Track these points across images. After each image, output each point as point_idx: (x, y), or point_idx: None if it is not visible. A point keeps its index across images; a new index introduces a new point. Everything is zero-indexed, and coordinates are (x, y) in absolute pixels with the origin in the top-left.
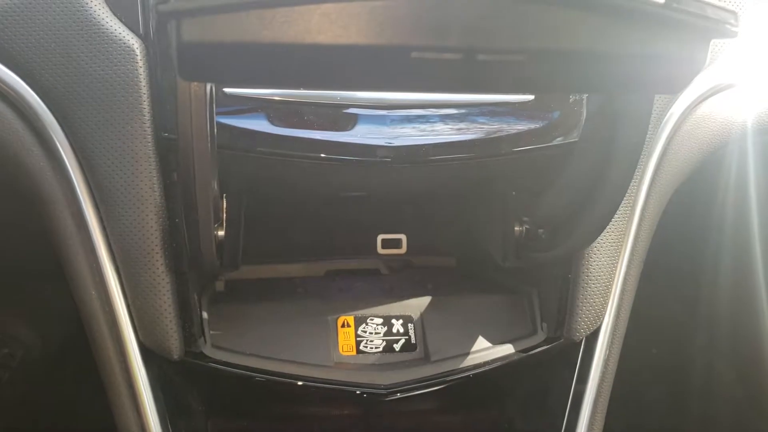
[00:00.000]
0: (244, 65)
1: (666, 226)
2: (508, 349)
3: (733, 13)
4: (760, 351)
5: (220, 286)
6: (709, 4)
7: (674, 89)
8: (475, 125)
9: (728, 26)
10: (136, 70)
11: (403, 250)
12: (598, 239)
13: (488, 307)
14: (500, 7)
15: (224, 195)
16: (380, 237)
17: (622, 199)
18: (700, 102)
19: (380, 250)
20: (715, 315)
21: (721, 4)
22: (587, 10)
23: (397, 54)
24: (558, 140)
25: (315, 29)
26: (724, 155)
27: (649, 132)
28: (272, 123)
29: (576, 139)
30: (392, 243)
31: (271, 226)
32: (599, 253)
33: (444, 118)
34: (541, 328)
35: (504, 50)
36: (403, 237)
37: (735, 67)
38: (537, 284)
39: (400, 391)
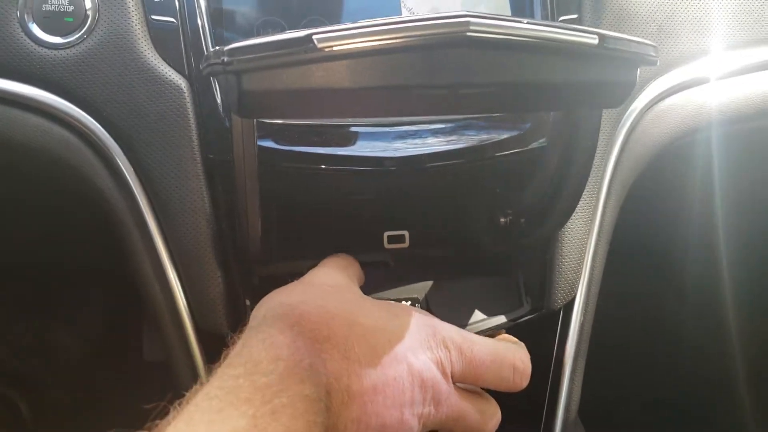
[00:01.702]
0: (291, 104)
1: (637, 209)
2: (499, 320)
3: (653, 46)
4: (720, 316)
5: (255, 280)
6: (632, 40)
7: (614, 105)
8: (463, 136)
9: (649, 57)
10: (185, 105)
11: (407, 244)
12: (569, 225)
13: (482, 287)
14: (474, 55)
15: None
16: (386, 234)
17: (583, 191)
18: (661, 99)
19: (386, 245)
20: (683, 285)
21: (643, 39)
22: (540, 52)
23: (401, 91)
24: (531, 145)
25: (343, 77)
26: (691, 144)
27: (610, 127)
28: (297, 143)
29: (545, 144)
30: (396, 238)
31: (295, 229)
32: (570, 236)
33: (436, 132)
34: (526, 302)
35: (479, 85)
36: (405, 233)
37: (698, 67)
38: (522, 266)
39: None
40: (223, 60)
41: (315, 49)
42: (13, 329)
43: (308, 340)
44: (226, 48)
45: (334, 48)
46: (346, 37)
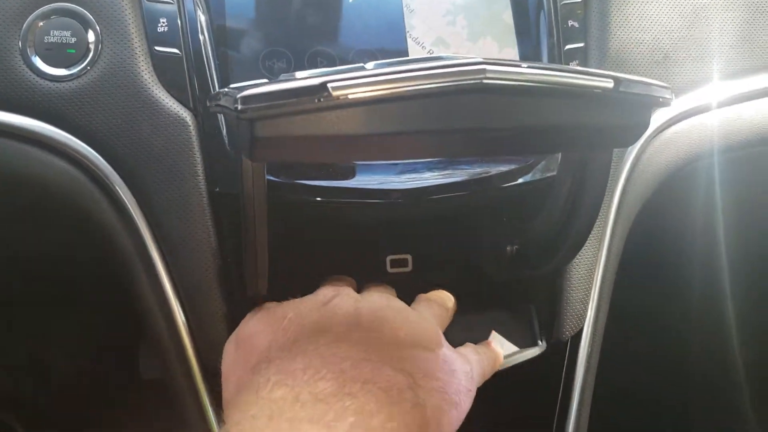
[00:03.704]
0: (305, 149)
1: (640, 232)
2: (520, 357)
3: (667, 88)
4: (724, 337)
5: None
6: (647, 83)
7: (627, 144)
8: (468, 169)
9: (663, 99)
10: (190, 138)
11: (409, 268)
12: (576, 256)
13: (491, 321)
14: (489, 101)
15: None
16: (389, 258)
17: (593, 226)
18: (667, 127)
19: (389, 269)
20: (688, 310)
21: (657, 82)
22: (556, 96)
23: (415, 136)
24: (540, 177)
25: (357, 123)
26: (695, 169)
27: (617, 156)
28: (301, 176)
29: (554, 174)
30: (399, 262)
31: (300, 258)
32: (578, 267)
33: (442, 164)
34: (541, 340)
35: (493, 130)
36: (408, 257)
37: (702, 95)
38: (532, 299)
39: None
40: (236, 108)
41: (330, 97)
42: (7, 350)
43: None
44: (239, 96)
45: (350, 96)
46: (361, 84)
